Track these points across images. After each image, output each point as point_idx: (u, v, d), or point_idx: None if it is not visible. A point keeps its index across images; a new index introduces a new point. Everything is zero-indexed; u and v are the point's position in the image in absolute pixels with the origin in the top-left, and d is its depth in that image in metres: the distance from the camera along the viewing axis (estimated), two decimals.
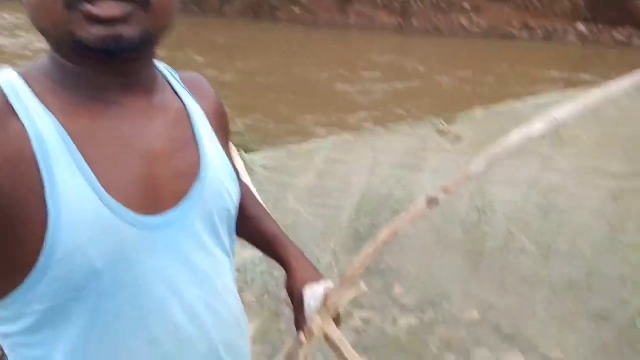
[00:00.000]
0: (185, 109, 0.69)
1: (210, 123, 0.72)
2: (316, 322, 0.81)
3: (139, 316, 0.61)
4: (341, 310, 0.83)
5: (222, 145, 0.73)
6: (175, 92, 0.70)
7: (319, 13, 16.34)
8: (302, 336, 0.82)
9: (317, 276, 0.84)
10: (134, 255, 0.59)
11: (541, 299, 2.28)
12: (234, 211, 0.73)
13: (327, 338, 0.83)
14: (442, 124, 2.35)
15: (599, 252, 2.54)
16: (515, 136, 0.75)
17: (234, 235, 0.76)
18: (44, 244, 0.53)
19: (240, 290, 0.76)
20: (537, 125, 0.75)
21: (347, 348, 0.82)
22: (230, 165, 0.73)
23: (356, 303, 2.40)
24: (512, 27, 15.74)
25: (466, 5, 16.01)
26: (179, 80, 0.72)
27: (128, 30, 0.55)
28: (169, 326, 0.63)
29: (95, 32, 0.53)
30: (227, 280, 0.72)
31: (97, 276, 0.57)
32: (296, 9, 16.30)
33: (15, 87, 0.56)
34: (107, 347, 0.60)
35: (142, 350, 0.62)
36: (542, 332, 2.12)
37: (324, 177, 2.69)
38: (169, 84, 0.70)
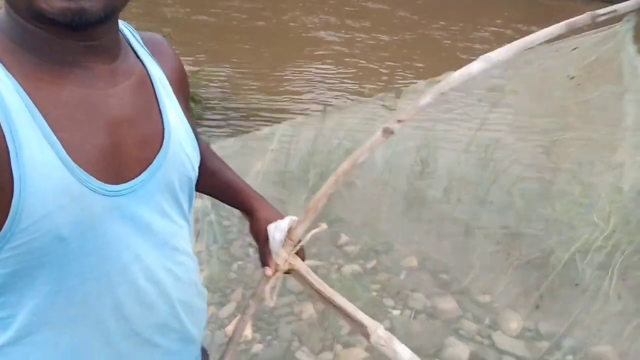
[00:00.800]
0: (148, 74, 0.68)
1: (172, 88, 0.72)
2: (282, 255, 0.84)
3: (105, 282, 0.63)
4: (304, 243, 0.86)
5: (183, 110, 0.73)
6: (137, 55, 0.68)
7: None
8: (268, 270, 0.85)
9: (280, 216, 0.88)
10: (99, 223, 0.60)
11: (475, 248, 2.45)
12: (194, 178, 0.74)
13: (292, 269, 0.86)
14: (386, 101, 2.42)
15: (530, 203, 2.74)
16: (458, 75, 0.83)
17: (193, 201, 0.78)
18: (10, 211, 0.53)
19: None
20: (476, 65, 0.84)
21: (313, 277, 0.86)
22: (191, 132, 0.74)
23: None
24: None
25: None
26: (140, 42, 0.71)
27: (92, 4, 0.53)
28: (133, 291, 0.65)
29: (57, 5, 0.52)
30: (185, 244, 0.75)
31: (62, 243, 0.57)
32: None
33: None
34: (73, 311, 0.62)
35: (108, 314, 0.64)
36: (474, 278, 2.30)
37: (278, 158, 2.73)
38: (131, 46, 0.69)
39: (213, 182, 0.91)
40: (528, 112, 2.90)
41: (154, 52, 0.72)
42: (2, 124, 0.52)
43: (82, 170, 0.57)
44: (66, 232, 0.57)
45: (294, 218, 0.86)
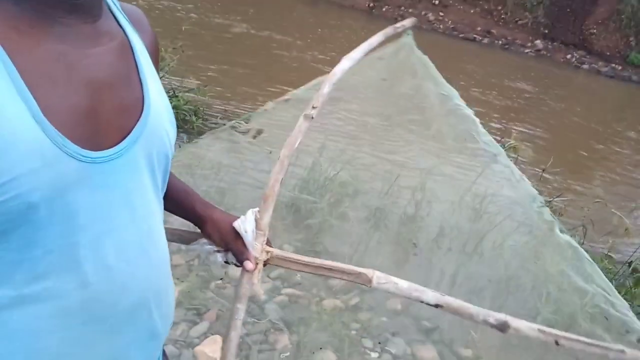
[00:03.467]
0: (129, 41, 0.65)
1: (150, 58, 0.69)
2: (257, 246, 0.85)
3: (72, 255, 0.57)
4: (267, 232, 0.88)
5: (160, 82, 0.71)
6: (118, 22, 0.66)
7: None
8: (249, 265, 0.85)
9: (232, 215, 0.87)
10: (72, 190, 0.55)
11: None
12: (170, 156, 0.71)
13: (271, 258, 0.88)
14: (240, 123, 2.45)
15: (521, 260, 2.70)
16: (338, 69, 1.02)
17: (166, 183, 0.74)
18: None
19: (170, 253, 0.75)
20: (345, 62, 1.04)
21: (292, 255, 0.89)
22: (170, 108, 0.71)
23: (285, 279, 2.42)
24: (476, 31, 16.13)
25: (436, 1, 16.20)
26: (121, 11, 0.68)
27: None
28: (101, 268, 0.60)
29: None
30: (160, 226, 0.71)
31: (31, 209, 0.53)
32: None
33: None
34: (32, 287, 0.56)
35: (70, 293, 0.58)
36: (458, 329, 2.23)
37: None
38: (111, 12, 0.66)
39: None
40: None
41: (135, 23, 0.70)
42: None
43: (57, 131, 0.53)
44: (35, 198, 0.52)
45: (255, 210, 0.87)
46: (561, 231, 1.90)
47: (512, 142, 3.71)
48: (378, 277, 0.85)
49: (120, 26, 0.66)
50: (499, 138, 4.43)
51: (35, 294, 0.56)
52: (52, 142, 0.52)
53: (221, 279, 2.32)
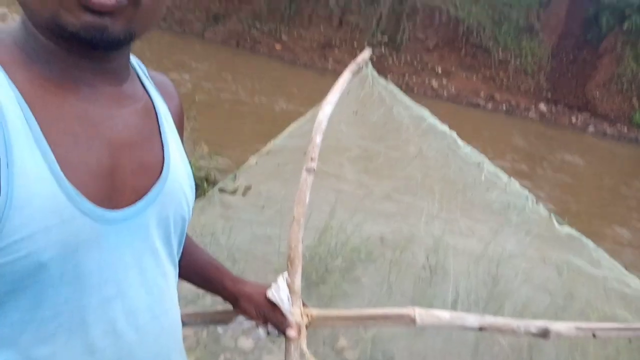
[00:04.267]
0: (153, 104, 0.67)
1: (175, 124, 0.70)
2: (296, 311, 0.85)
3: (80, 318, 0.55)
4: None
5: (184, 148, 0.72)
6: (144, 87, 0.68)
7: (299, 53, 16.68)
8: (292, 332, 0.84)
9: (262, 285, 0.87)
10: (84, 249, 0.55)
11: None
12: (188, 220, 0.70)
13: (314, 319, 0.87)
14: (227, 183, 2.46)
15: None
16: (322, 115, 1.07)
17: (182, 247, 0.73)
18: None
19: None
20: (326, 108, 1.10)
21: (332, 312, 0.89)
22: (190, 172, 0.71)
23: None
24: (479, 97, 16.55)
25: (439, 69, 16.78)
26: (148, 77, 0.71)
27: (114, 24, 0.53)
28: (109, 333, 0.58)
29: (83, 18, 0.52)
30: (172, 292, 0.69)
31: (41, 269, 0.52)
32: (278, 46, 16.58)
33: None
34: (40, 349, 0.54)
35: (78, 359, 0.56)
36: None
37: None
38: (139, 78, 0.68)
39: (189, 262, 0.84)
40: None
41: (161, 89, 0.71)
42: None
43: (74, 189, 0.53)
44: (47, 257, 0.51)
45: (284, 274, 0.87)
46: (558, 222, 1.89)
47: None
48: (420, 314, 0.84)
49: (146, 90, 0.67)
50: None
51: (41, 358, 0.54)
52: (68, 199, 0.52)
53: (230, 352, 2.23)
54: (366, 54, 1.41)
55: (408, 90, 16.43)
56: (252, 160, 2.19)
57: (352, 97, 1.63)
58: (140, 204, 0.61)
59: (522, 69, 16.69)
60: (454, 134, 1.92)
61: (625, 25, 16.31)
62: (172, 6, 16.79)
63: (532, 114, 16.34)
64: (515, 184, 2.00)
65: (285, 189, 2.20)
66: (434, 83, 16.54)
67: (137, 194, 0.61)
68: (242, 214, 2.66)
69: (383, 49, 16.57)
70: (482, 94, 16.45)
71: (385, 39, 16.55)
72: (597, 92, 16.90)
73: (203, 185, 4.14)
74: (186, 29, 16.93)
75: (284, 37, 16.78)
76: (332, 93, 1.13)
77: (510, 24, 16.48)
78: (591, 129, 16.16)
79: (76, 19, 0.51)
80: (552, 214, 1.93)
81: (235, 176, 2.52)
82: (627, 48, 16.73)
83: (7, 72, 0.53)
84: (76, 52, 0.56)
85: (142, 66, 0.72)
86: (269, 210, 2.46)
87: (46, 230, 0.51)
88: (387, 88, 1.70)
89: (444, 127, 1.92)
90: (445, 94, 16.34)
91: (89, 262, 0.56)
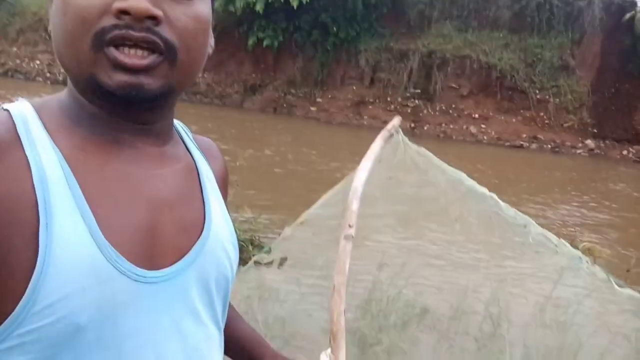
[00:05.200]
0: (195, 165, 0.66)
1: (217, 185, 0.69)
2: None
3: None
4: None
5: (227, 209, 0.70)
6: (187, 149, 0.68)
7: (334, 113, 17.07)
8: None
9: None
10: (122, 312, 0.52)
11: None
12: (231, 280, 0.67)
13: None
14: (263, 256, 2.36)
15: None
16: (357, 183, 1.06)
17: (227, 309, 0.69)
18: (27, 290, 0.48)
19: None
20: (359, 178, 1.09)
21: None
22: (233, 231, 0.69)
23: None
24: (522, 139, 16.22)
25: (475, 115, 16.69)
26: (192, 139, 0.71)
27: (150, 82, 0.53)
28: None
29: (117, 78, 0.52)
30: (218, 357, 0.65)
31: (78, 333, 0.49)
32: (313, 109, 17.07)
33: (27, 119, 0.54)
34: None
35: None
36: None
37: None
38: (182, 140, 0.69)
39: (228, 331, 0.80)
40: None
41: (204, 151, 0.72)
42: (37, 194, 0.50)
43: (113, 248, 0.52)
44: (84, 320, 0.49)
45: (327, 351, 0.84)
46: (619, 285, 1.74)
47: (585, 243, 3.44)
48: None
49: (189, 152, 0.68)
50: (568, 242, 4.15)
51: None
52: (106, 259, 0.51)
53: None
54: (396, 120, 1.42)
55: (446, 138, 16.38)
56: (287, 231, 2.17)
57: (385, 164, 1.63)
58: (180, 264, 0.59)
59: (563, 107, 16.37)
60: (495, 196, 1.86)
61: None
62: (212, 82, 17.78)
63: (580, 150, 15.82)
64: (566, 246, 1.89)
65: (322, 258, 2.17)
66: (473, 129, 16.41)
67: (178, 254, 0.59)
68: (278, 287, 2.61)
69: (417, 101, 16.74)
70: (524, 135, 16.14)
71: (418, 91, 16.75)
72: None
73: (248, 248, 4.15)
74: (226, 102, 17.80)
75: (319, 99, 17.30)
76: (364, 160, 1.15)
77: (545, 64, 16.38)
78: None
79: (111, 79, 0.52)
80: (610, 276, 1.80)
81: (270, 248, 2.50)
82: None
83: (52, 136, 0.54)
84: (117, 113, 0.57)
85: (187, 130, 0.73)
86: (307, 281, 2.40)
87: (83, 290, 0.50)
88: (420, 152, 1.70)
89: (484, 190, 1.87)
90: (485, 138, 16.14)
91: (126, 325, 0.53)
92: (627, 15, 16.70)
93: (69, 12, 0.52)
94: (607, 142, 16.53)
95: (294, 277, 2.53)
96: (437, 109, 16.75)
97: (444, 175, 1.81)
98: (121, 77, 0.52)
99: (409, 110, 16.76)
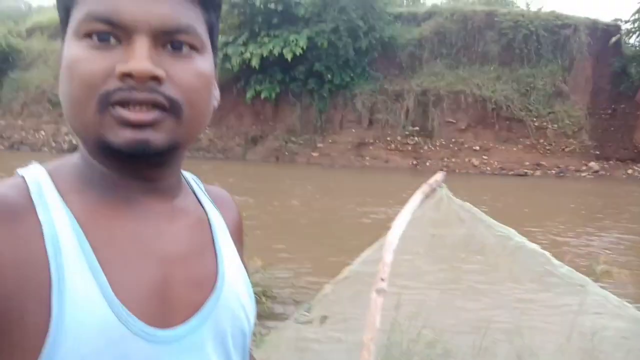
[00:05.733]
0: (207, 217, 0.66)
1: (231, 235, 0.68)
2: None
3: None
4: None
5: (242, 260, 0.69)
6: (199, 201, 0.67)
7: (335, 157, 17.21)
8: None
9: None
10: None
11: None
12: (249, 333, 0.65)
13: None
14: (304, 314, 2.30)
15: None
16: (391, 236, 1.05)
17: None
18: (41, 353, 0.47)
19: None
20: (395, 231, 1.08)
21: None
22: (249, 282, 0.67)
23: None
24: (525, 167, 16.23)
25: (476, 147, 16.78)
26: (204, 190, 0.71)
27: (156, 136, 0.54)
28: None
29: (123, 135, 0.53)
30: None
31: None
32: (315, 154, 17.23)
33: (40, 183, 0.55)
34: None
35: None
36: None
37: None
38: (194, 192, 0.68)
39: None
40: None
41: (217, 201, 0.71)
42: (49, 256, 0.50)
43: (125, 308, 0.51)
44: None
45: None
46: None
47: (603, 266, 3.37)
48: None
49: (201, 204, 0.67)
50: (586, 264, 4.06)
51: None
52: (119, 320, 0.51)
53: None
54: (439, 176, 1.43)
55: (449, 171, 16.33)
56: (327, 288, 2.13)
57: (428, 220, 1.63)
58: (194, 320, 0.58)
59: (562, 132, 16.47)
60: (547, 254, 1.81)
61: None
62: (214, 137, 18.08)
63: (584, 173, 15.77)
64: (629, 308, 1.82)
65: (363, 316, 2.12)
66: (475, 161, 16.47)
67: (192, 310, 0.58)
68: (320, 347, 2.53)
69: (417, 138, 16.91)
70: (527, 163, 16.16)
71: (417, 128, 16.94)
72: None
73: (261, 299, 4.08)
74: (229, 155, 18.03)
75: (320, 145, 17.49)
76: (402, 214, 1.13)
77: (538, 92, 16.62)
78: None
79: (118, 137, 0.53)
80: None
81: (310, 306, 2.43)
82: None
83: (64, 198, 0.55)
84: (126, 172, 0.57)
85: (199, 181, 0.72)
86: (348, 338, 2.34)
87: (97, 352, 0.49)
88: (465, 207, 1.66)
89: (534, 246, 1.82)
90: (488, 169, 16.16)
91: None
92: (613, 39, 17.09)
93: (75, 77, 0.53)
94: (610, 162, 16.52)
95: (335, 335, 2.43)
96: (437, 144, 16.88)
97: (491, 231, 1.76)
98: (128, 134, 0.53)
99: (409, 148, 16.89)
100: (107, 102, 0.52)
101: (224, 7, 18.66)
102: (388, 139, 17.07)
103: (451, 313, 2.70)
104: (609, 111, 17.45)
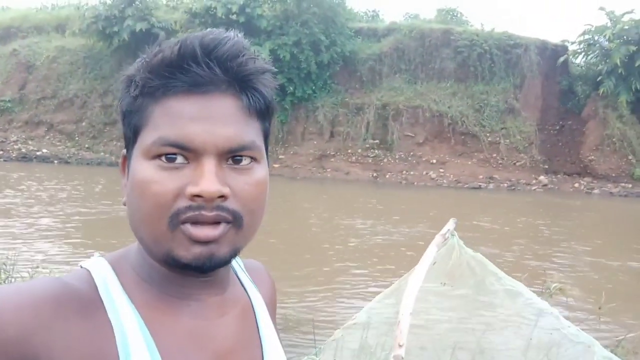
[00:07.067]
0: (250, 302, 0.70)
1: (269, 314, 0.72)
2: None
3: None
4: None
5: (277, 333, 0.73)
6: (241, 283, 0.71)
7: (297, 168, 17.25)
8: None
9: None
10: None
11: None
12: None
13: None
14: (312, 358, 2.32)
15: None
16: (406, 299, 1.03)
17: None
18: None
19: None
20: (412, 286, 1.06)
21: None
22: (285, 358, 0.72)
23: None
24: (479, 180, 16.81)
25: (433, 160, 17.25)
26: (244, 270, 0.74)
27: (220, 249, 0.57)
28: None
29: (193, 251, 0.56)
30: None
31: None
32: (277, 165, 17.20)
33: (106, 280, 0.58)
34: None
35: None
36: None
37: None
38: (236, 274, 0.71)
39: None
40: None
41: (255, 279, 0.74)
42: (119, 349, 0.54)
43: None
44: None
45: None
46: None
47: (556, 284, 3.57)
48: None
49: (243, 285, 0.70)
50: (539, 282, 4.27)
51: None
52: None
53: None
54: (451, 224, 1.40)
55: (408, 184, 16.74)
56: (338, 333, 2.09)
57: (439, 268, 1.59)
58: None
59: (514, 147, 17.18)
60: (556, 311, 1.84)
61: (601, 91, 17.13)
62: None
63: (534, 187, 16.49)
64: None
65: None
66: (432, 174, 16.90)
67: None
68: None
69: (377, 151, 17.20)
70: (480, 176, 16.73)
71: (377, 141, 17.24)
72: (592, 156, 17.24)
73: None
74: None
75: (282, 156, 17.48)
76: (416, 272, 1.12)
77: (492, 108, 17.29)
78: (597, 191, 16.20)
79: (187, 252, 0.55)
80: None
81: (320, 349, 2.36)
82: (608, 110, 17.41)
83: (128, 293, 0.58)
84: (185, 273, 0.60)
85: (239, 260, 0.73)
86: None
87: None
88: (476, 258, 1.65)
89: (545, 304, 1.84)
90: (445, 182, 16.61)
91: None
92: (561, 59, 18.04)
93: (148, 196, 0.56)
94: (559, 176, 17.36)
95: None
96: (397, 157, 17.23)
97: (500, 283, 1.76)
98: (196, 250, 0.56)
99: (369, 160, 17.15)
100: (177, 221, 0.55)
101: (185, 17, 18.41)
102: (349, 151, 17.29)
103: None
104: (557, 127, 18.38)
